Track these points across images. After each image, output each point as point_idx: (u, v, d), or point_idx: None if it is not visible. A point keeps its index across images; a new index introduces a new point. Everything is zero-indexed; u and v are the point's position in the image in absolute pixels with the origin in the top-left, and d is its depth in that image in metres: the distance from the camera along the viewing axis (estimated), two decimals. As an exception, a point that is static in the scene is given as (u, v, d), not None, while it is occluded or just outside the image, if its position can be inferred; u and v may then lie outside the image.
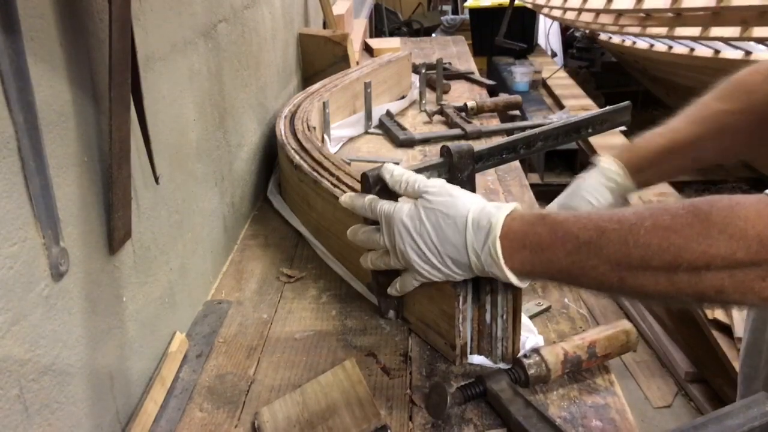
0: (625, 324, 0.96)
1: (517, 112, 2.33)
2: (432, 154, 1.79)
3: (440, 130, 1.97)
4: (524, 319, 0.96)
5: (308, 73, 2.21)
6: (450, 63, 2.78)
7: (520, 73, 4.62)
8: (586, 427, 0.83)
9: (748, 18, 2.54)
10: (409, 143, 1.84)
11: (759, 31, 2.54)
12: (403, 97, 2.18)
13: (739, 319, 2.22)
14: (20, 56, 0.61)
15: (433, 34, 6.85)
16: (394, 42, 3.18)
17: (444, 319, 0.94)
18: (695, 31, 2.91)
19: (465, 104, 2.10)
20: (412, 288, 0.92)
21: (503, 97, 2.27)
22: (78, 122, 0.73)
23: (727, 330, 2.29)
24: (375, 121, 1.98)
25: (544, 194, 1.17)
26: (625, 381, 2.61)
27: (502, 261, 0.78)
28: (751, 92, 1.02)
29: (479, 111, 2.11)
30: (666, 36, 3.22)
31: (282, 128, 1.51)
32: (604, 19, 3.75)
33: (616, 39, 4.42)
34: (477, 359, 0.95)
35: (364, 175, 0.94)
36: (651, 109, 5.08)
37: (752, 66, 1.05)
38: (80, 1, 0.73)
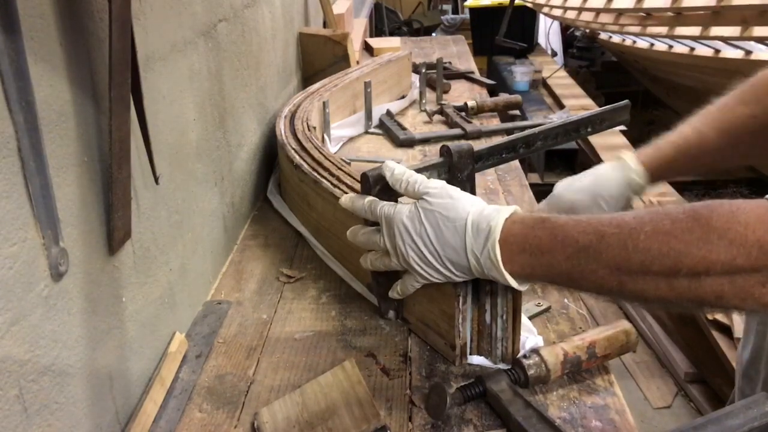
0: (625, 324, 0.96)
1: (517, 112, 2.33)
2: (432, 153, 1.79)
3: (440, 129, 1.97)
4: (524, 320, 0.96)
5: (308, 72, 2.21)
6: (450, 62, 2.78)
7: (520, 73, 4.62)
8: (585, 427, 0.83)
9: (748, 17, 2.54)
10: (409, 143, 1.84)
11: (759, 31, 2.54)
12: (403, 97, 2.18)
13: (739, 320, 2.22)
14: (20, 56, 0.61)
15: (433, 34, 6.85)
16: (394, 41, 3.18)
17: (444, 320, 0.94)
18: (695, 30, 2.91)
19: (465, 104, 2.09)
20: (414, 290, 0.92)
21: (503, 97, 2.27)
22: (78, 122, 0.73)
23: (726, 330, 2.29)
24: (375, 120, 1.98)
25: (544, 194, 1.17)
26: (625, 381, 2.61)
27: (501, 264, 0.78)
28: None
29: (479, 111, 2.11)
30: (666, 35, 3.22)
31: (282, 128, 1.51)
32: (605, 18, 3.75)
33: (616, 38, 4.42)
34: (477, 360, 0.95)
35: (364, 175, 0.94)
36: (651, 108, 5.08)
37: None
38: (80, 1, 0.73)
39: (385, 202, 0.89)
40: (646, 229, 0.69)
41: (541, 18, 5.67)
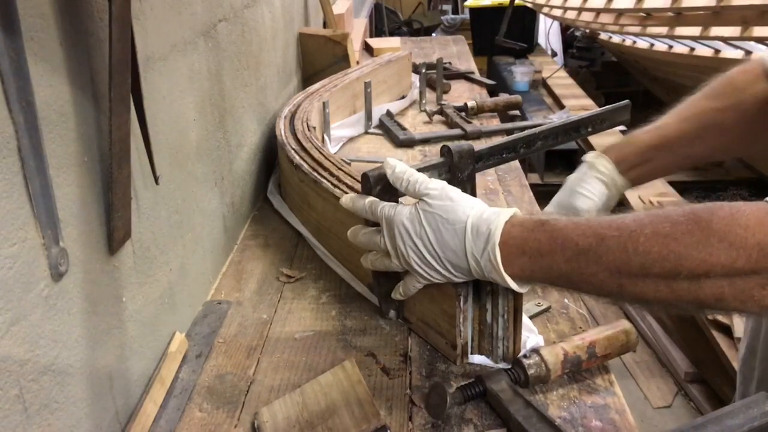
0: (625, 324, 0.96)
1: (517, 112, 2.33)
2: (432, 154, 1.79)
3: (440, 130, 1.97)
4: (525, 319, 0.95)
5: (308, 72, 2.21)
6: (450, 63, 2.78)
7: (520, 73, 4.62)
8: (585, 427, 0.83)
9: (748, 17, 2.54)
10: (409, 143, 1.84)
11: (759, 31, 2.54)
12: (403, 97, 2.18)
13: (739, 320, 2.22)
14: (20, 56, 0.61)
15: (434, 34, 6.85)
16: (395, 41, 3.18)
17: (445, 319, 0.94)
18: (695, 30, 2.91)
19: (465, 104, 2.09)
20: (415, 290, 0.92)
21: (503, 97, 2.27)
22: (78, 122, 0.73)
23: (726, 330, 2.29)
24: (375, 121, 1.98)
25: (544, 194, 1.17)
26: (625, 381, 2.61)
27: (501, 267, 0.78)
28: (740, 90, 1.03)
29: (479, 111, 2.11)
30: (666, 35, 3.22)
31: (282, 128, 1.51)
32: (605, 18, 3.75)
33: (616, 38, 4.42)
34: (477, 359, 0.95)
35: (364, 175, 0.93)
36: (651, 108, 5.08)
37: (741, 65, 1.06)
38: (80, 1, 0.73)
39: (386, 203, 0.89)
40: (646, 232, 0.70)
41: (541, 18, 5.67)
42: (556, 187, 1.15)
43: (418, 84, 2.20)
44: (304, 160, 1.32)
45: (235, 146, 1.36)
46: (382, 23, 6.90)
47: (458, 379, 0.92)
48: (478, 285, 0.90)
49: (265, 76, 1.66)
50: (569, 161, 3.97)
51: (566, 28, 6.15)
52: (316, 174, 1.24)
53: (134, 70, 0.78)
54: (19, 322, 0.63)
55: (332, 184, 1.19)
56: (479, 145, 1.06)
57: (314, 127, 1.56)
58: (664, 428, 2.38)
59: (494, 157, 1.09)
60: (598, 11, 3.74)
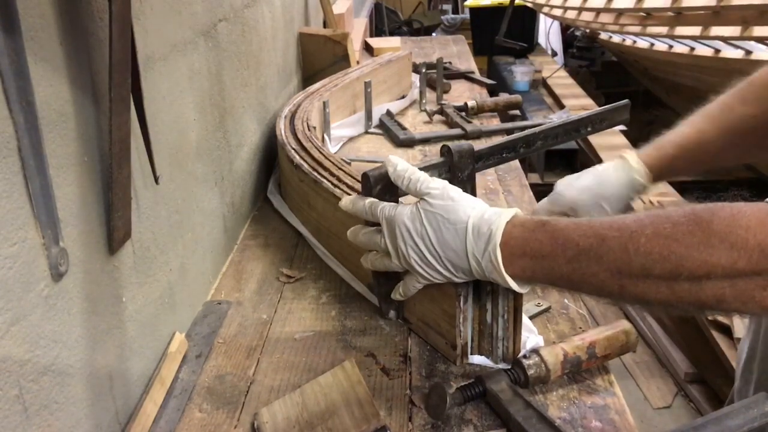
0: (625, 324, 0.96)
1: (517, 112, 2.33)
2: (432, 153, 1.79)
3: (440, 129, 1.97)
4: (525, 320, 0.95)
5: (308, 72, 2.21)
6: (450, 62, 2.78)
7: (520, 73, 4.62)
8: (585, 427, 0.83)
9: (748, 17, 2.54)
10: (409, 143, 1.84)
11: (759, 31, 2.54)
12: (403, 97, 2.18)
13: (739, 321, 2.22)
14: (20, 56, 0.61)
15: (434, 34, 6.85)
16: (395, 41, 3.18)
17: (445, 319, 0.94)
18: (696, 30, 2.91)
19: (465, 104, 2.09)
20: (416, 291, 0.92)
21: (503, 97, 2.27)
22: (78, 122, 0.73)
23: (726, 330, 2.29)
24: (375, 120, 1.98)
25: (544, 194, 1.17)
26: (625, 381, 2.61)
27: (502, 268, 0.78)
28: None
29: (479, 111, 2.11)
30: (666, 35, 3.22)
31: (282, 128, 1.51)
32: (605, 18, 3.75)
33: (616, 38, 4.42)
34: (477, 359, 0.95)
35: (365, 175, 0.93)
36: (651, 108, 5.08)
37: None
38: (80, 1, 0.73)
39: (386, 203, 0.89)
40: (647, 233, 0.69)
41: (541, 18, 5.67)
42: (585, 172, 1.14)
43: (418, 84, 2.20)
44: (304, 160, 1.32)
45: (235, 146, 1.36)
46: (382, 23, 6.90)
47: (458, 379, 0.92)
48: (478, 285, 0.90)
49: (265, 76, 1.66)
50: (569, 161, 3.97)
51: (566, 28, 6.15)
52: (316, 174, 1.24)
53: (134, 70, 0.78)
54: (19, 322, 0.63)
55: (332, 183, 1.19)
56: (479, 144, 1.06)
57: (314, 127, 1.56)
58: (664, 428, 2.38)
59: (494, 156, 1.09)
60: (598, 11, 3.74)
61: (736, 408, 0.74)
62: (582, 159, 3.84)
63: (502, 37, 4.49)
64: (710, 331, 2.32)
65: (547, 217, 0.81)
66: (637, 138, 1.52)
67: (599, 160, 3.35)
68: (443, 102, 2.17)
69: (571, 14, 4.11)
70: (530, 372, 0.88)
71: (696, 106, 1.09)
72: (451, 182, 0.89)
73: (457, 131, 1.92)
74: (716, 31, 2.78)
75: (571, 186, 1.12)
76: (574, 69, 5.82)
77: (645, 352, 2.78)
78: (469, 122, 1.97)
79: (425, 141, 1.85)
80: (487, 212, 0.81)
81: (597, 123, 1.22)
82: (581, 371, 0.92)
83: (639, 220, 0.71)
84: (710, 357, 2.36)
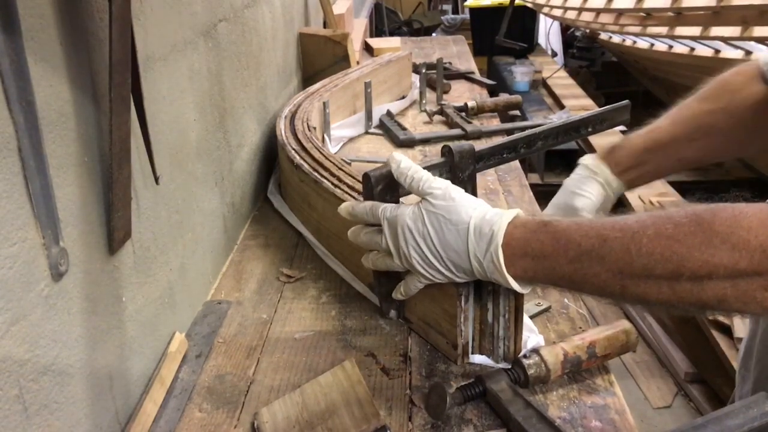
0: (625, 324, 0.96)
1: (517, 112, 2.33)
2: (432, 154, 1.79)
3: (440, 130, 1.97)
4: (525, 319, 0.95)
5: (308, 72, 2.21)
6: (450, 63, 2.78)
7: (520, 73, 4.62)
8: (585, 427, 0.83)
9: (748, 17, 2.54)
10: (409, 143, 1.84)
11: (759, 31, 2.55)
12: (403, 97, 2.18)
13: (739, 320, 2.22)
14: (20, 56, 0.61)
15: (434, 34, 6.85)
16: (395, 42, 3.18)
17: (446, 319, 0.94)
18: (696, 30, 2.91)
19: (465, 104, 2.09)
20: (417, 290, 0.92)
21: (503, 97, 2.27)
22: (78, 122, 0.73)
23: (726, 330, 2.29)
24: (375, 121, 1.98)
25: (544, 194, 1.18)
26: (625, 381, 2.61)
27: (504, 268, 0.78)
28: (733, 92, 1.03)
29: (479, 111, 2.11)
30: (666, 35, 3.22)
31: (282, 128, 1.51)
32: (605, 18, 3.75)
33: (616, 38, 4.42)
34: (478, 359, 0.95)
35: (365, 175, 0.93)
36: (651, 109, 5.08)
37: (735, 67, 1.06)
38: (80, 1, 0.73)
39: (387, 204, 0.89)
40: (649, 233, 0.70)
41: (541, 18, 5.67)
42: (556, 187, 1.16)
43: (418, 84, 2.20)
44: (305, 160, 1.32)
45: (235, 146, 1.37)
46: (382, 23, 6.90)
47: (458, 379, 0.92)
48: (479, 285, 0.90)
49: (266, 76, 1.66)
50: (569, 161, 3.95)
51: (566, 28, 6.15)
52: (316, 174, 1.24)
53: (134, 70, 0.78)
54: (19, 322, 0.63)
55: (333, 184, 1.19)
56: (479, 145, 1.06)
57: (314, 127, 1.56)
58: (664, 428, 2.38)
59: (495, 157, 1.09)
60: (598, 11, 3.74)
61: (736, 408, 0.74)
62: (582, 159, 3.83)
63: (502, 37, 4.49)
64: (710, 331, 2.32)
65: (549, 217, 0.81)
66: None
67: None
68: (443, 102, 2.17)
69: (571, 14, 4.11)
70: (530, 372, 0.88)
71: None
72: (451, 182, 0.89)
73: (457, 131, 1.92)
74: (716, 31, 2.78)
75: (550, 205, 1.14)
76: (574, 69, 5.82)
77: (645, 352, 2.78)
78: (469, 122, 1.97)
79: (425, 141, 1.85)
80: (488, 213, 0.81)
81: (597, 123, 1.22)
82: (581, 371, 0.92)
83: (641, 220, 0.71)
84: (710, 357, 2.36)
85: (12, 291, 0.61)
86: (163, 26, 0.97)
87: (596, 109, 1.24)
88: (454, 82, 2.50)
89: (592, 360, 0.91)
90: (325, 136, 1.73)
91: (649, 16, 3.26)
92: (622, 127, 1.29)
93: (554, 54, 5.96)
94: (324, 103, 1.71)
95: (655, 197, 3.03)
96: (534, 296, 1.09)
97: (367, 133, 1.95)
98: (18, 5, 0.60)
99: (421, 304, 1.00)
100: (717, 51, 3.17)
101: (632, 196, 3.04)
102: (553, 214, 1.11)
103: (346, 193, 1.14)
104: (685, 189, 3.55)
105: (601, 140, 3.55)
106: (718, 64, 3.16)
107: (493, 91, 2.50)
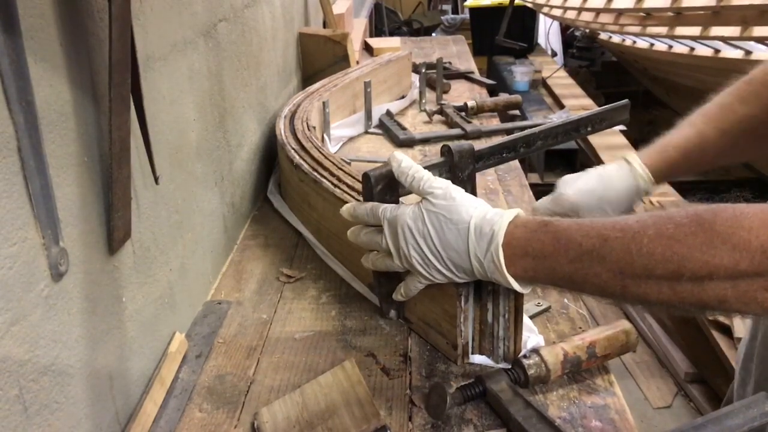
0: (625, 324, 0.96)
1: (517, 112, 2.33)
2: (432, 153, 1.79)
3: (440, 129, 1.97)
4: (525, 319, 0.95)
5: (308, 72, 2.21)
6: (450, 62, 2.78)
7: (520, 73, 4.62)
8: (585, 427, 0.83)
9: (748, 17, 2.54)
10: (409, 143, 1.84)
11: (759, 31, 2.54)
12: (403, 97, 2.18)
13: (739, 321, 2.22)
14: (20, 56, 0.61)
15: (433, 34, 6.85)
16: (394, 41, 3.18)
17: (446, 319, 0.94)
18: (695, 30, 2.91)
19: (465, 104, 2.09)
20: (417, 291, 0.92)
21: (503, 97, 2.27)
22: (78, 122, 0.73)
23: (726, 330, 2.29)
24: (375, 120, 1.98)
25: (544, 194, 1.17)
26: (625, 381, 2.61)
27: (504, 268, 0.78)
28: None
29: (479, 111, 2.11)
30: (666, 35, 3.22)
31: (282, 128, 1.51)
32: (604, 18, 3.75)
33: (616, 38, 4.42)
34: (478, 359, 0.95)
35: (365, 175, 0.93)
36: (651, 108, 5.08)
37: (765, 64, 1.04)
38: (80, 1, 0.73)
39: (388, 205, 0.90)
40: (650, 233, 0.70)
41: (541, 18, 5.67)
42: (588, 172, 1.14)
43: (418, 84, 2.20)
44: (304, 160, 1.32)
45: (235, 146, 1.36)
46: (382, 23, 6.90)
47: (458, 379, 0.92)
48: (479, 285, 0.90)
49: (265, 76, 1.66)
50: (569, 161, 3.98)
51: (566, 28, 6.15)
52: (316, 174, 1.24)
53: (134, 70, 0.78)
54: (19, 322, 0.63)
55: (332, 183, 1.19)
56: (479, 144, 1.06)
57: (314, 127, 1.56)
58: (664, 428, 2.38)
59: (494, 156, 1.09)
60: (598, 11, 3.74)
61: (736, 408, 0.74)
62: (582, 159, 3.84)
63: (502, 37, 4.49)
64: (710, 331, 2.32)
65: (549, 217, 0.81)
66: (636, 138, 1.52)
67: (599, 160, 3.35)
68: (443, 102, 2.17)
69: (571, 14, 4.11)
70: (530, 372, 0.88)
71: (696, 106, 1.09)
72: (451, 182, 0.89)
73: (456, 131, 1.92)
74: (716, 31, 2.78)
75: (574, 187, 1.11)
76: (573, 69, 5.82)
77: (645, 352, 2.78)
78: (469, 122, 1.97)
79: (425, 141, 1.85)
80: (489, 212, 0.81)
81: (597, 123, 1.22)
82: (581, 371, 0.92)
83: (641, 220, 0.71)
84: (710, 357, 2.36)
85: (12, 291, 0.61)
86: (163, 26, 0.97)
87: (596, 109, 1.24)
88: (454, 82, 2.50)
89: (592, 360, 0.91)
90: (325, 135, 1.73)
91: (649, 16, 3.26)
92: (621, 127, 1.29)
93: (554, 54, 5.96)
94: (324, 103, 1.71)
95: (655, 197, 3.02)
96: (534, 296, 1.09)
97: (366, 132, 1.95)
98: (18, 5, 0.60)
99: (421, 304, 1.00)
100: (717, 51, 3.17)
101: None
102: (578, 198, 1.09)
103: (346, 192, 1.14)
104: (685, 189, 3.55)
105: (601, 140, 3.55)
106: (718, 64, 3.18)
107: (492, 91, 2.50)
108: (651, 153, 1.09)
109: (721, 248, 0.66)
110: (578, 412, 0.86)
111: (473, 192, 1.00)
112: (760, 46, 2.83)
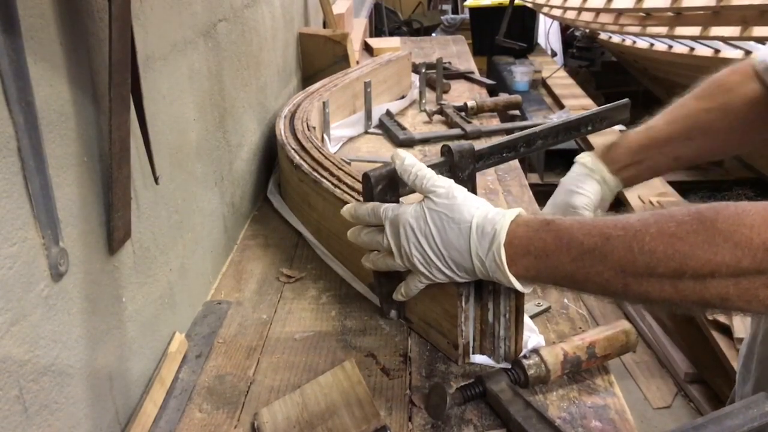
0: (625, 324, 0.96)
1: (517, 112, 2.33)
2: (432, 153, 1.79)
3: (440, 129, 1.97)
4: (526, 319, 0.95)
5: (308, 72, 2.21)
6: (450, 62, 2.77)
7: (520, 73, 4.62)
8: (585, 427, 0.83)
9: (748, 17, 2.54)
10: (408, 143, 1.84)
11: (759, 31, 2.54)
12: (403, 97, 2.18)
13: (739, 320, 2.22)
14: (20, 56, 0.61)
15: (433, 34, 6.85)
16: (394, 41, 3.18)
17: (446, 319, 0.94)
18: (695, 30, 2.91)
19: (465, 104, 2.09)
20: (417, 291, 0.92)
21: (503, 97, 2.27)
22: (78, 122, 0.73)
23: (726, 331, 2.29)
24: (375, 120, 1.98)
25: (544, 194, 1.18)
26: (625, 381, 2.61)
27: (506, 267, 0.78)
28: (729, 91, 1.04)
29: (479, 111, 2.11)
30: (666, 35, 3.22)
31: (282, 128, 1.51)
32: (604, 18, 3.75)
33: (616, 38, 4.42)
34: (479, 359, 0.95)
35: (365, 175, 0.93)
36: (651, 108, 5.08)
37: (731, 66, 1.07)
38: (80, 1, 0.73)
39: (389, 204, 0.89)
40: (652, 231, 0.70)
41: (541, 18, 5.66)
42: (556, 187, 1.16)
43: (417, 84, 2.20)
44: (304, 160, 1.32)
45: (235, 146, 1.36)
46: (382, 23, 6.89)
47: (458, 379, 0.92)
48: (480, 284, 0.90)
49: (265, 76, 1.66)
50: (569, 161, 3.93)
51: (566, 28, 6.15)
52: (316, 174, 1.24)
53: (134, 70, 0.78)
54: (19, 322, 0.63)
55: (332, 183, 1.18)
56: (479, 144, 1.06)
57: (314, 127, 1.56)
58: (664, 428, 2.38)
59: (494, 156, 1.09)
60: (598, 11, 3.74)
61: (736, 408, 0.74)
62: (582, 159, 3.83)
63: (502, 37, 4.48)
64: (710, 331, 2.32)
65: (551, 216, 0.81)
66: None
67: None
68: (443, 102, 2.16)
69: (570, 14, 4.11)
70: (530, 372, 0.88)
71: None
72: (453, 181, 0.89)
73: (456, 131, 1.92)
74: (716, 31, 2.78)
75: (548, 205, 1.14)
76: (573, 69, 5.82)
77: (645, 352, 2.78)
78: (469, 122, 1.97)
79: (425, 141, 1.85)
80: (491, 212, 0.81)
81: (597, 122, 1.22)
82: (581, 371, 0.92)
83: (643, 219, 0.71)
84: (710, 357, 2.36)
85: (12, 291, 0.61)
86: (163, 26, 0.97)
87: (596, 108, 1.24)
88: (454, 82, 2.50)
89: (592, 360, 0.91)
90: (325, 135, 1.73)
91: (649, 16, 3.26)
92: (621, 126, 1.29)
93: (554, 54, 5.95)
94: (324, 103, 1.71)
95: (655, 197, 3.03)
96: (534, 296, 1.09)
97: (366, 132, 1.95)
98: (18, 5, 0.60)
99: (421, 304, 1.00)
100: (717, 51, 3.17)
101: (632, 197, 3.04)
102: (552, 213, 1.11)
103: (346, 192, 1.14)
104: (685, 189, 3.55)
105: (600, 139, 3.55)
106: (717, 64, 3.16)
107: (492, 91, 2.50)
108: (600, 148, 1.12)
109: (723, 246, 0.66)
110: (578, 412, 0.86)
111: (473, 192, 1.00)
112: (759, 46, 2.83)
